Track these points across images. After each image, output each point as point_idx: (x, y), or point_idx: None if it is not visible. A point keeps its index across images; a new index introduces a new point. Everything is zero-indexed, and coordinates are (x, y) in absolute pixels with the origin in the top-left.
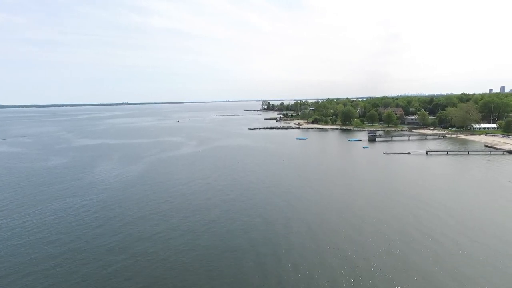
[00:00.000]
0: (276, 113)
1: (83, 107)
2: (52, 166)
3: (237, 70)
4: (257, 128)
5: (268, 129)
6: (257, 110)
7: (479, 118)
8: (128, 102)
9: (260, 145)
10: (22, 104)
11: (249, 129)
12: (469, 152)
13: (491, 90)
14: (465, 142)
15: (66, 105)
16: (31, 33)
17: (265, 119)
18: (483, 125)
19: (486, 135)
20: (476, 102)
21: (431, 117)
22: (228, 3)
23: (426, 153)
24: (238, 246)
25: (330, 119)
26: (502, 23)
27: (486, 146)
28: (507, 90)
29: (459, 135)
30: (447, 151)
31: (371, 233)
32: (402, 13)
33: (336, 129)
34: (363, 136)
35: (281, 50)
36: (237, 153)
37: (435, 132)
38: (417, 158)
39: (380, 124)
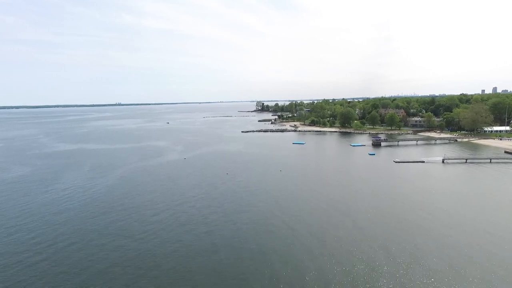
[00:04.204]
0: (271, 114)
1: (74, 108)
2: (9, 179)
3: (234, 71)
4: (250, 131)
5: (263, 132)
6: (251, 111)
7: (491, 120)
8: (122, 103)
9: (253, 151)
10: (12, 105)
11: (242, 132)
12: (491, 160)
13: (483, 91)
14: (480, 147)
15: (58, 106)
16: (26, 34)
17: (259, 121)
18: (495, 128)
19: (501, 139)
20: (485, 103)
21: (437, 119)
22: (224, 6)
23: (443, 161)
24: None
25: (328, 121)
26: (495, 26)
27: (506, 152)
28: (499, 91)
29: (470, 139)
30: (466, 159)
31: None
32: (397, 16)
33: (335, 132)
34: (365, 140)
35: (278, 51)
36: (227, 162)
37: (443, 135)
38: (433, 167)
39: (382, 126)
